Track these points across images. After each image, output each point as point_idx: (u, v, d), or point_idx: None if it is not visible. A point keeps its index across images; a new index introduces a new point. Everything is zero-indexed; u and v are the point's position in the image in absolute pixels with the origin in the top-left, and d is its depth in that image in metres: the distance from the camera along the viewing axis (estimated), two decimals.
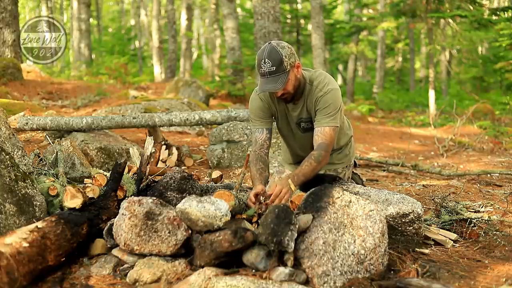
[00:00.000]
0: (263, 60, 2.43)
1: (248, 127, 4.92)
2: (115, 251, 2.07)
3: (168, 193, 2.41)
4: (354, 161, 3.05)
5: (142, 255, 2.00)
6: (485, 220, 2.84)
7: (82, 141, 4.38)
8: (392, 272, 2.03)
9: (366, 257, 1.92)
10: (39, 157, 3.20)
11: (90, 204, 2.33)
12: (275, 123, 2.82)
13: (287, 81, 2.46)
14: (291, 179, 2.37)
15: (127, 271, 1.96)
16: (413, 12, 12.48)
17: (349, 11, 20.11)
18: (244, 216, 2.31)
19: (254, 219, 2.28)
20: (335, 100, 2.55)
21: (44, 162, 3.13)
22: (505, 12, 11.68)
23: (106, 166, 4.27)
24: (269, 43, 2.48)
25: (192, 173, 3.26)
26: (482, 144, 7.54)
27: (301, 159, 2.62)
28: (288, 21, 16.29)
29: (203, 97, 9.94)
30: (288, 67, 2.45)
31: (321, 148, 2.51)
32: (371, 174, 5.13)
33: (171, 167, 3.91)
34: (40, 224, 1.95)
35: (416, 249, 2.37)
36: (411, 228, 2.36)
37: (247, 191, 2.63)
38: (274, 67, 2.42)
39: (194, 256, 1.95)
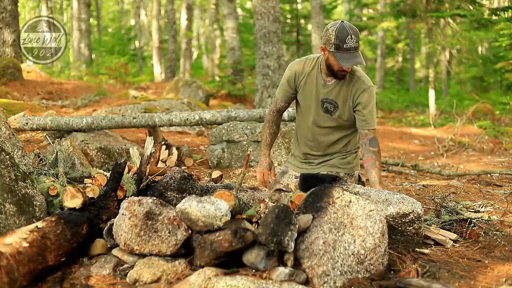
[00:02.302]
0: (349, 36, 2.56)
1: (248, 127, 4.92)
2: (115, 251, 2.07)
3: (168, 193, 2.41)
4: (359, 175, 3.04)
5: (142, 255, 2.00)
6: (485, 220, 2.84)
7: (82, 141, 4.38)
8: (392, 272, 2.03)
9: (366, 257, 1.92)
10: (39, 157, 3.20)
11: (90, 204, 2.33)
12: (297, 96, 2.96)
13: None
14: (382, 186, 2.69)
15: (127, 271, 1.96)
16: (413, 12, 12.47)
17: (349, 11, 20.12)
18: (244, 216, 2.31)
19: (254, 219, 2.28)
20: (374, 97, 2.79)
21: (44, 162, 3.13)
22: (505, 12, 11.68)
23: (106, 166, 4.27)
24: (341, 22, 2.63)
25: (192, 173, 3.26)
26: (482, 144, 7.54)
27: (308, 141, 2.93)
28: (288, 21, 16.28)
29: (203, 97, 9.94)
30: None
31: (376, 145, 2.75)
32: None
33: (171, 167, 3.91)
34: (40, 224, 1.95)
35: (416, 249, 2.37)
36: (411, 228, 2.36)
37: (247, 191, 2.64)
38: (358, 43, 2.59)
39: (194, 256, 1.95)
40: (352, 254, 1.90)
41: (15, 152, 2.62)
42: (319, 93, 2.81)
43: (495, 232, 2.70)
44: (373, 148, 2.74)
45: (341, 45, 2.56)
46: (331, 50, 2.61)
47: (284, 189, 2.74)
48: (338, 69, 2.66)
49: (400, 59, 24.45)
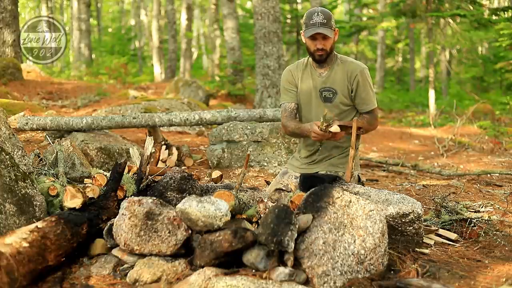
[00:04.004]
0: (316, 13, 2.71)
1: (248, 127, 4.92)
2: (115, 251, 2.07)
3: (168, 193, 2.41)
4: (358, 176, 3.04)
5: (142, 255, 2.00)
6: (485, 220, 2.84)
7: (82, 141, 4.37)
8: (392, 272, 2.03)
9: (366, 257, 1.92)
10: (39, 157, 3.21)
11: (90, 204, 2.33)
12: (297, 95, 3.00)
13: (330, 38, 2.73)
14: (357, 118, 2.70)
15: (127, 271, 1.96)
16: (413, 12, 12.46)
17: (349, 11, 20.13)
18: (244, 216, 2.31)
19: (254, 219, 2.28)
20: (369, 76, 2.88)
21: (44, 162, 3.13)
22: (505, 12, 11.67)
23: (106, 166, 4.27)
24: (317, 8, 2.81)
25: (192, 173, 3.26)
26: (482, 144, 7.54)
27: (311, 142, 2.89)
28: (288, 21, 16.28)
29: (203, 97, 9.94)
30: (334, 26, 2.77)
31: (375, 116, 2.91)
32: (371, 174, 5.14)
33: (171, 167, 3.90)
34: (40, 224, 1.95)
35: (416, 249, 2.37)
36: (411, 228, 2.36)
37: (247, 191, 2.64)
38: (325, 20, 2.70)
39: (194, 256, 1.95)
40: (352, 254, 1.90)
41: (15, 152, 2.62)
42: (316, 84, 2.89)
43: (495, 232, 2.70)
44: (367, 115, 2.87)
45: (308, 22, 2.73)
46: (303, 31, 2.77)
47: (284, 189, 2.73)
48: (313, 49, 2.77)
49: (400, 59, 24.46)
